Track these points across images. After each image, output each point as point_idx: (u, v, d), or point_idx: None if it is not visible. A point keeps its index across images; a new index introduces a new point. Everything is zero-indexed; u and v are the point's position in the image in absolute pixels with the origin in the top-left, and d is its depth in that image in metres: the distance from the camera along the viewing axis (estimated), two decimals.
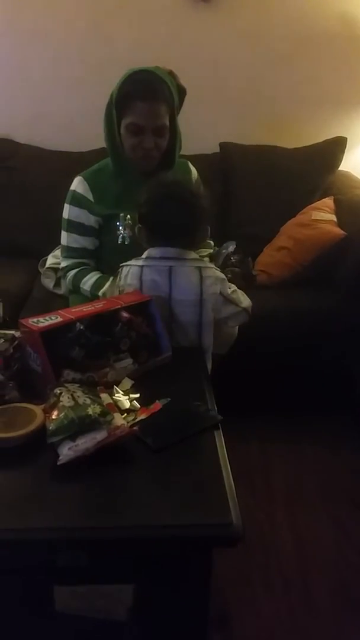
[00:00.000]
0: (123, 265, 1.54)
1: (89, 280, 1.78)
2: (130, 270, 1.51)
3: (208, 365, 1.55)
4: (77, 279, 1.80)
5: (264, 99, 2.68)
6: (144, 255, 1.51)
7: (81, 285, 1.79)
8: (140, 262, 1.50)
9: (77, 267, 1.81)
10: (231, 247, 2.11)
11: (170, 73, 1.70)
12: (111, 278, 1.75)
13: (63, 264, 1.86)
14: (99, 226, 1.77)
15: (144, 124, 1.63)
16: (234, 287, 1.62)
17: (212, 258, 1.99)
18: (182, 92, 1.73)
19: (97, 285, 1.76)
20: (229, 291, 1.52)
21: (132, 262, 1.52)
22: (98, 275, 1.78)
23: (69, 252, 1.83)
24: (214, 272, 1.50)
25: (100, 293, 1.74)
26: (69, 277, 1.82)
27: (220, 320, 1.54)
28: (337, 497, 1.89)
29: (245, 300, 1.57)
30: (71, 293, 1.89)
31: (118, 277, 1.55)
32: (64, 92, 2.59)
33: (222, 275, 1.52)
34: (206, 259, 1.91)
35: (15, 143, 2.59)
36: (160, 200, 1.47)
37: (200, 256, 1.87)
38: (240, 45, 2.60)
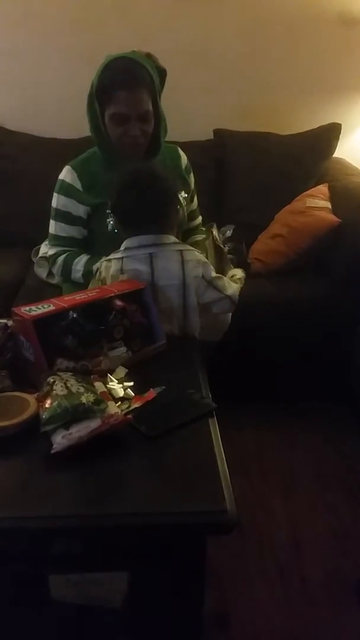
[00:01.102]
0: (103, 260, 1.53)
1: (81, 260, 1.76)
2: (109, 265, 1.49)
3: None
4: (69, 260, 1.78)
5: (258, 86, 2.65)
6: (122, 247, 1.50)
7: (73, 266, 1.76)
8: (119, 255, 1.48)
9: (65, 253, 1.80)
10: (229, 232, 2.09)
11: (148, 55, 1.67)
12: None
13: (50, 252, 1.84)
14: (88, 216, 1.76)
15: (128, 113, 1.61)
16: (237, 273, 1.61)
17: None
18: (162, 73, 1.70)
19: (91, 262, 1.72)
20: (213, 275, 1.50)
21: (111, 256, 1.51)
22: (89, 256, 1.76)
23: (56, 240, 1.81)
24: (195, 254, 1.48)
25: (94, 267, 1.70)
26: (58, 262, 1.80)
27: (205, 306, 1.52)
28: (332, 484, 1.89)
29: (230, 288, 1.54)
30: (64, 282, 1.87)
31: (98, 272, 1.54)
32: (55, 79, 2.56)
33: (204, 258, 1.50)
34: (201, 236, 1.90)
35: (6, 130, 2.57)
36: (122, 190, 1.46)
37: (195, 241, 1.86)
38: (234, 32, 2.57)
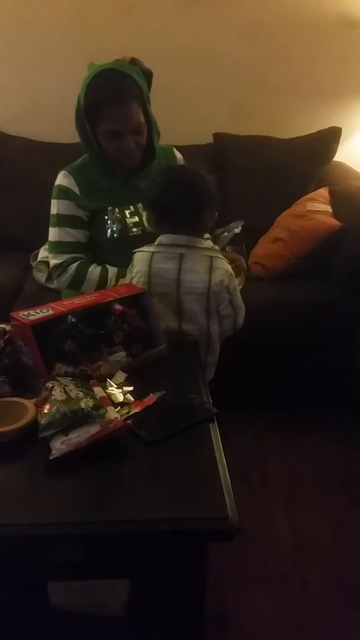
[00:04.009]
0: (135, 251, 1.52)
1: (95, 270, 1.70)
2: (140, 256, 1.50)
3: (215, 354, 1.56)
4: (82, 270, 1.71)
5: (257, 90, 2.65)
6: (156, 242, 1.50)
7: (88, 276, 1.69)
8: (151, 249, 1.49)
9: (76, 262, 1.73)
10: (237, 229, 2.05)
11: (133, 60, 1.64)
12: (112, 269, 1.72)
13: (57, 261, 1.73)
14: (88, 219, 1.74)
15: (121, 128, 1.59)
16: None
17: (215, 239, 1.95)
18: (148, 75, 1.68)
19: (105, 272, 1.70)
20: (235, 291, 1.51)
21: (145, 248, 1.51)
22: (101, 266, 1.72)
23: (62, 247, 1.73)
24: (224, 264, 1.48)
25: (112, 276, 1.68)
26: (70, 271, 1.71)
27: (217, 315, 1.52)
28: (335, 490, 1.88)
29: (239, 310, 1.54)
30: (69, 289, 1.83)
31: (131, 264, 1.54)
32: (53, 83, 2.56)
33: (231, 270, 1.50)
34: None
35: (4, 135, 2.57)
36: (166, 184, 1.46)
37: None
38: (234, 36, 2.57)
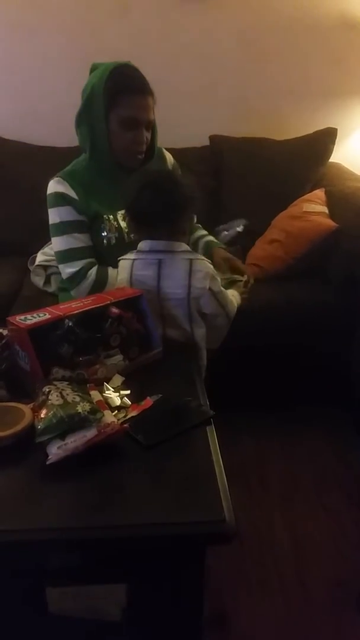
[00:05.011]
0: (120, 259, 1.52)
1: (113, 273, 1.64)
2: (123, 264, 1.50)
3: (203, 360, 1.54)
4: (103, 274, 1.64)
5: (253, 91, 2.66)
6: (137, 249, 1.50)
7: (109, 280, 1.63)
8: (132, 256, 1.49)
9: (92, 266, 1.66)
10: (239, 227, 2.01)
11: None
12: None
13: (72, 270, 1.64)
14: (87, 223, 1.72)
15: (140, 117, 1.59)
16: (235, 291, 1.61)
17: (215, 236, 1.93)
18: None
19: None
20: (219, 289, 1.49)
21: (127, 255, 1.50)
22: (116, 269, 1.64)
23: (74, 254, 1.65)
24: (205, 265, 1.46)
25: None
26: (90, 277, 1.63)
27: (205, 316, 1.51)
28: (333, 492, 1.88)
29: (230, 304, 1.52)
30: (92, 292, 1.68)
31: (116, 272, 1.54)
32: (51, 87, 2.56)
33: (213, 271, 1.47)
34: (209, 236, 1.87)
35: (1, 139, 2.56)
36: (141, 190, 1.45)
37: (201, 235, 1.84)
38: (230, 38, 2.58)
